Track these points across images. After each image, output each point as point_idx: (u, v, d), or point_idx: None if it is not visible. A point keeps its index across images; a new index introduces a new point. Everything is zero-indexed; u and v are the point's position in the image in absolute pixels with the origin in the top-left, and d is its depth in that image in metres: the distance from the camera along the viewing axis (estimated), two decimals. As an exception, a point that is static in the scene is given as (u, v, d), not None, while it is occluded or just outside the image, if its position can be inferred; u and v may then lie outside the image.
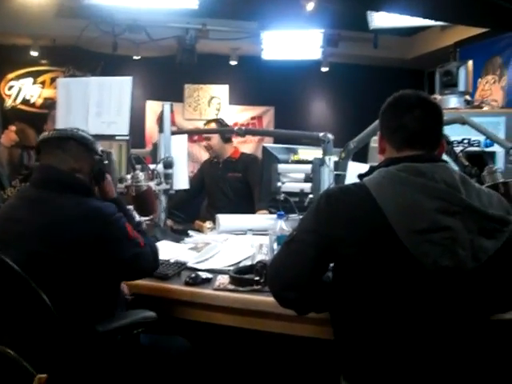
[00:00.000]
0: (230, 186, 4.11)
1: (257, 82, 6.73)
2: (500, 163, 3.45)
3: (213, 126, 4.27)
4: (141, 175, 2.58)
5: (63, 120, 3.12)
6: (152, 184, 2.72)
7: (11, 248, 1.79)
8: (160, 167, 2.91)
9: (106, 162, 2.10)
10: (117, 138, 2.96)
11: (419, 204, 1.45)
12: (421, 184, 1.47)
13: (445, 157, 2.75)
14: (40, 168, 1.99)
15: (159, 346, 2.15)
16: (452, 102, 4.19)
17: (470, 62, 4.26)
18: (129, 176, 2.59)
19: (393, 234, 1.44)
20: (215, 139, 4.14)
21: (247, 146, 6.92)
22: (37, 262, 1.77)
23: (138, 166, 2.79)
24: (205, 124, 4.49)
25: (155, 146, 3.21)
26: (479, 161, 2.82)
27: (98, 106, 3.10)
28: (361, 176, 1.64)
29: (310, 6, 5.59)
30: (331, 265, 1.61)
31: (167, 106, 3.06)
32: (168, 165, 2.87)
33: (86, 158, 1.99)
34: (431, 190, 1.47)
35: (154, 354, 2.10)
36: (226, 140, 4.15)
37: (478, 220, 1.47)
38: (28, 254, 1.77)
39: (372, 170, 1.61)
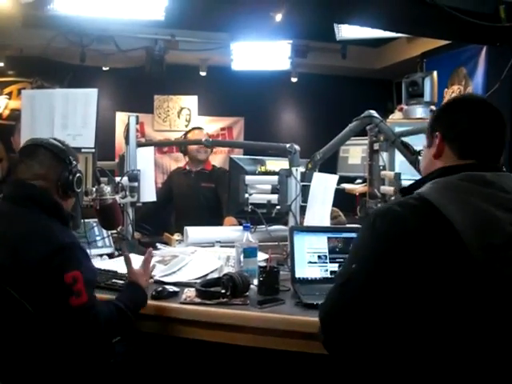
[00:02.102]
0: (203, 195, 4.13)
1: (226, 92, 6.73)
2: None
3: (197, 132, 4.31)
4: (106, 188, 2.56)
5: (28, 133, 3.07)
6: (117, 197, 2.70)
7: None
8: (125, 180, 2.90)
9: (78, 174, 2.01)
10: (83, 150, 2.93)
11: (490, 217, 1.30)
12: (490, 195, 1.33)
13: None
14: (11, 182, 2.00)
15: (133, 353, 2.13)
16: (418, 112, 4.25)
17: (435, 73, 4.33)
18: (94, 189, 2.56)
19: (465, 250, 1.27)
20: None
21: (217, 157, 6.89)
22: (6, 278, 1.73)
23: (104, 179, 2.77)
24: (189, 131, 4.51)
25: (122, 159, 3.18)
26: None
27: (63, 119, 3.06)
28: (404, 189, 1.48)
29: (279, 18, 5.61)
30: None
31: (133, 118, 3.05)
32: (133, 178, 2.85)
33: (52, 166, 1.95)
34: (502, 200, 1.32)
35: (129, 361, 2.11)
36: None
37: None
38: None
39: (421, 181, 1.46)
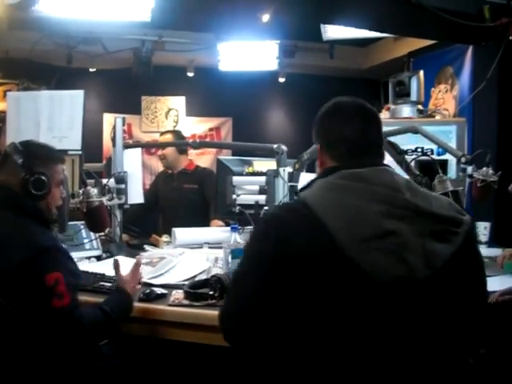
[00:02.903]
0: (186, 197, 4.11)
1: (214, 93, 6.73)
2: (452, 171, 3.52)
3: (168, 136, 4.27)
4: (92, 191, 2.54)
5: (13, 135, 3.05)
6: (104, 199, 2.69)
7: None
8: (112, 182, 2.88)
9: (41, 178, 1.95)
10: (69, 152, 2.92)
11: (360, 210, 1.35)
12: (360, 189, 1.38)
13: (397, 167, 2.80)
14: None
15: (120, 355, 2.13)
16: (405, 112, 4.27)
17: (421, 72, 4.35)
18: (80, 191, 2.55)
19: (338, 245, 1.31)
20: (170, 149, 4.14)
21: (205, 157, 6.91)
22: None
23: (91, 181, 2.76)
24: (161, 135, 4.50)
25: (109, 161, 3.17)
26: (431, 169, 2.88)
27: (49, 121, 3.05)
28: (301, 189, 1.55)
29: (266, 18, 5.61)
30: None
31: (119, 119, 3.04)
32: (120, 180, 2.84)
33: (16, 174, 1.94)
34: (371, 193, 1.37)
35: (116, 363, 2.10)
36: (181, 151, 4.16)
37: (427, 222, 1.36)
38: None
39: (311, 182, 1.52)
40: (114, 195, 2.83)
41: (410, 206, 1.37)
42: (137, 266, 2.21)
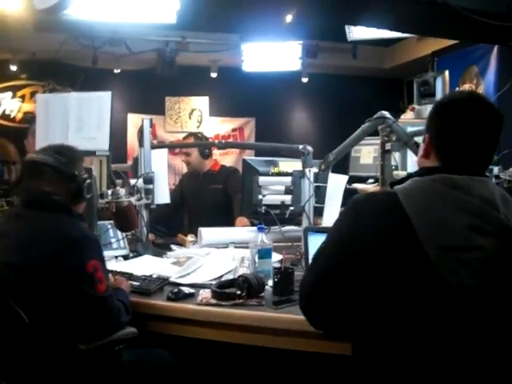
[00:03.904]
0: (211, 198, 4.13)
1: (237, 93, 6.75)
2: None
3: (191, 140, 4.29)
4: (121, 191, 2.58)
5: (43, 137, 3.10)
6: (132, 199, 2.72)
7: None
8: (140, 182, 2.92)
9: (87, 181, 2.09)
10: (97, 153, 2.96)
11: (451, 219, 1.33)
12: (455, 197, 1.36)
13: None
14: (25, 190, 2.09)
15: (141, 360, 2.17)
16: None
17: (447, 72, 4.32)
18: (109, 192, 2.59)
19: (419, 247, 1.33)
20: (194, 155, 4.16)
21: (228, 157, 6.93)
22: (12, 275, 1.78)
23: (119, 182, 2.80)
24: (183, 138, 4.51)
25: (136, 161, 3.21)
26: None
27: (77, 122, 3.09)
28: (393, 184, 1.51)
29: (289, 18, 5.62)
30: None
31: (146, 120, 3.07)
32: (148, 180, 2.87)
33: (60, 181, 2.02)
34: (465, 204, 1.35)
35: (136, 368, 2.11)
36: (205, 156, 4.18)
37: None
38: (5, 266, 1.79)
39: (406, 177, 1.50)
40: (143, 195, 2.86)
41: (502, 224, 1.35)
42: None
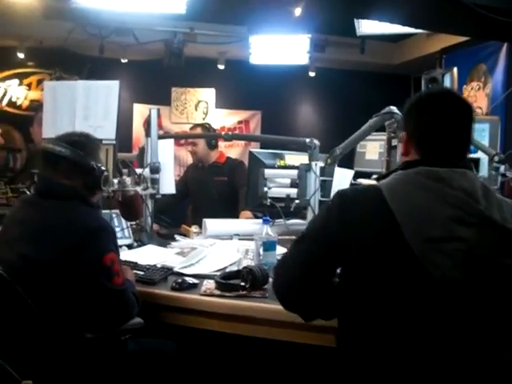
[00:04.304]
0: (216, 189, 4.12)
1: (244, 86, 6.74)
2: (484, 169, 3.49)
3: (198, 130, 4.28)
4: (127, 180, 2.58)
5: (50, 124, 3.10)
6: (138, 189, 2.72)
7: (9, 248, 1.83)
8: (147, 172, 2.92)
9: (105, 173, 2.06)
10: (104, 142, 2.95)
11: (433, 210, 1.38)
12: (437, 190, 1.40)
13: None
14: (39, 177, 2.07)
15: (146, 349, 2.17)
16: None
17: (455, 69, 4.29)
18: (115, 181, 2.59)
19: (402, 239, 1.37)
20: (200, 145, 4.15)
21: (234, 150, 6.93)
22: (25, 266, 1.78)
23: (125, 171, 2.79)
24: (191, 128, 4.50)
25: (142, 151, 3.21)
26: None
27: (84, 110, 3.09)
28: (378, 178, 1.58)
29: (298, 12, 5.61)
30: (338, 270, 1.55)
31: (154, 110, 3.06)
32: (155, 170, 2.86)
33: (77, 175, 1.99)
34: (447, 196, 1.38)
35: (141, 358, 2.12)
36: (212, 147, 4.17)
37: (496, 234, 1.37)
38: (18, 256, 1.80)
39: (391, 172, 1.55)
40: (149, 185, 2.85)
41: (483, 216, 1.38)
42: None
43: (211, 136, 4.15)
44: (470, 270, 1.35)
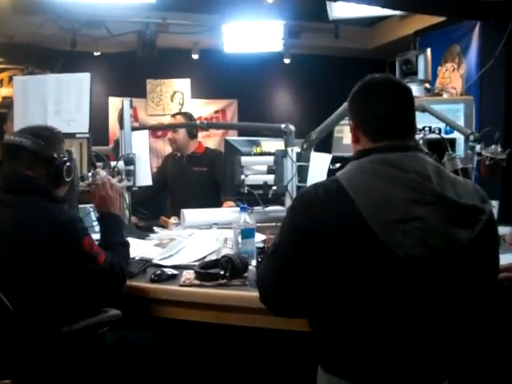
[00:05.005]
0: (196, 180, 4.09)
1: (219, 75, 6.70)
2: (460, 149, 3.50)
3: (179, 118, 4.25)
4: (101, 172, 2.54)
5: (21, 119, 3.05)
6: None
7: None
8: (121, 164, 2.88)
9: (67, 164, 2.04)
10: (77, 135, 2.91)
11: (391, 195, 1.43)
12: (391, 175, 1.45)
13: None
14: (4, 174, 2.03)
15: (125, 342, 2.16)
16: (412, 90, 4.22)
17: (429, 50, 4.31)
18: (90, 174, 2.55)
19: (366, 225, 1.42)
20: (181, 134, 4.11)
21: (211, 139, 6.89)
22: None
23: (100, 164, 2.76)
24: (172, 116, 4.47)
25: (117, 143, 3.17)
26: (439, 148, 2.87)
27: (56, 105, 3.05)
28: (335, 171, 1.62)
29: (270, -2, 5.58)
30: None
31: (127, 101, 3.02)
32: (129, 161, 2.82)
33: (39, 165, 1.99)
34: (402, 180, 1.44)
35: (120, 350, 2.11)
36: (192, 136, 4.15)
37: (451, 210, 1.44)
38: None
39: (345, 163, 1.57)
40: (124, 177, 2.81)
41: (436, 193, 1.44)
42: (105, 181, 2.33)
43: (186, 125, 4.11)
44: (430, 246, 1.41)
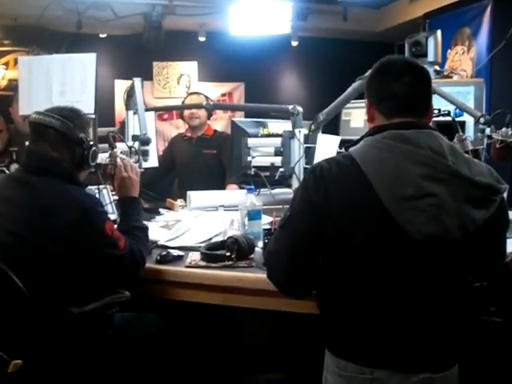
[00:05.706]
0: (205, 162, 4.08)
1: (226, 57, 6.64)
2: (470, 132, 3.46)
3: (194, 97, 4.23)
4: (119, 152, 2.48)
5: (26, 101, 3.03)
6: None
7: None
8: (136, 144, 2.82)
9: (93, 148, 2.02)
10: (83, 116, 2.88)
11: (404, 170, 1.42)
12: (406, 150, 1.44)
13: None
14: (27, 153, 2.02)
15: (132, 324, 2.16)
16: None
17: (439, 32, 4.23)
18: (106, 154, 2.49)
19: (379, 201, 1.41)
20: (203, 112, 4.10)
21: (218, 122, 6.85)
22: (16, 244, 1.79)
23: (104, 146, 2.72)
24: (186, 96, 4.43)
25: (123, 124, 3.13)
26: (449, 130, 2.83)
27: (61, 85, 3.02)
28: (348, 147, 1.60)
29: (278, -21, 5.50)
30: None
31: (138, 81, 2.96)
32: (145, 141, 2.74)
33: (65, 147, 1.97)
34: (416, 156, 1.43)
35: (127, 332, 2.11)
36: (209, 117, 4.20)
37: (465, 187, 1.43)
38: (10, 235, 1.79)
39: (360, 139, 1.58)
40: (141, 157, 2.73)
41: (451, 170, 1.43)
42: (125, 163, 2.31)
43: (190, 106, 4.08)
44: (443, 223, 1.40)
